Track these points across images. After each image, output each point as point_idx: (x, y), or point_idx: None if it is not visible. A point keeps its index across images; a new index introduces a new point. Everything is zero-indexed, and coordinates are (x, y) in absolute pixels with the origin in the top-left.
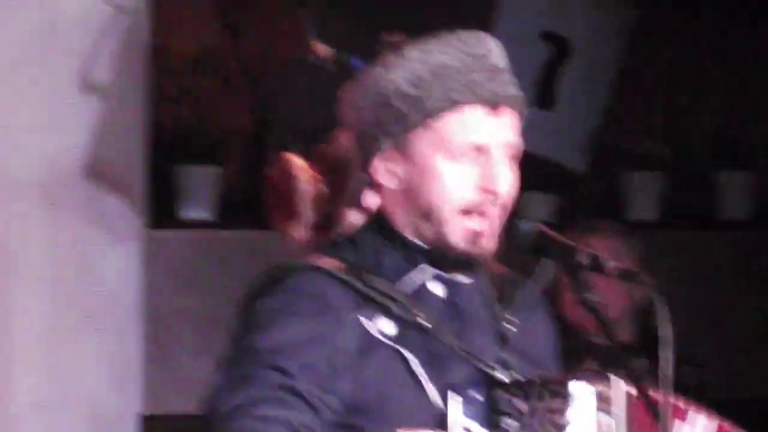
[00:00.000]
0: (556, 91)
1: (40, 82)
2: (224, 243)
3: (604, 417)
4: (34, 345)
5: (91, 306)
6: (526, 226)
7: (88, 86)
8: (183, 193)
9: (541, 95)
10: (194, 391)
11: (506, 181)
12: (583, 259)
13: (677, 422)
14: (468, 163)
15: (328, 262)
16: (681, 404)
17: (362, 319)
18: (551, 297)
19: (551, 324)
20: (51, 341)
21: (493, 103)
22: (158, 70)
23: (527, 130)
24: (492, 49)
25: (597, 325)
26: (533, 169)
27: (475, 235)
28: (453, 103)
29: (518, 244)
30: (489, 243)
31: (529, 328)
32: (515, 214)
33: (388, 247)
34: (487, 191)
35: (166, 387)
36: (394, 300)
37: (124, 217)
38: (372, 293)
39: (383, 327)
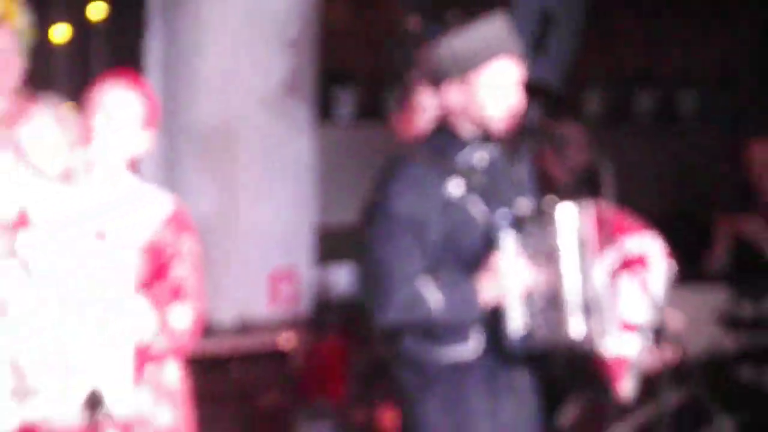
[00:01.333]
0: (545, 43)
1: (259, 42)
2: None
3: (580, 226)
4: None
5: (281, 165)
6: (529, 119)
7: (284, 44)
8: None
9: (537, 46)
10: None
11: (519, 99)
12: (561, 135)
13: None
14: (500, 89)
15: (420, 155)
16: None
17: (444, 187)
18: (540, 160)
19: (528, 169)
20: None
21: (513, 55)
22: (322, 39)
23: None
24: (509, 25)
25: (566, 175)
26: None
27: (505, 126)
28: (495, 56)
29: (524, 132)
30: (509, 129)
31: (522, 172)
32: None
33: (450, 138)
34: (513, 105)
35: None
36: (458, 171)
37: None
38: (445, 171)
39: (454, 188)
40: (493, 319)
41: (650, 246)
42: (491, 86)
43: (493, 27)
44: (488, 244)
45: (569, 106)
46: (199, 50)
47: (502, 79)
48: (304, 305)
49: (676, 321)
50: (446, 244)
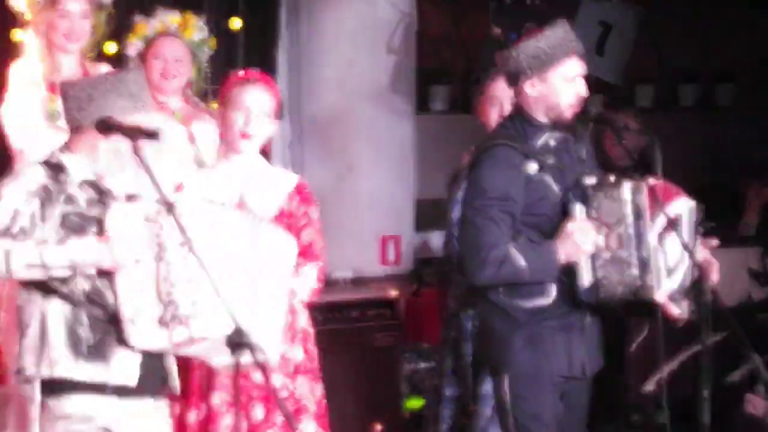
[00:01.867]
0: (604, 47)
1: (369, 46)
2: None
3: (636, 197)
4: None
5: (387, 148)
6: (593, 109)
7: (390, 47)
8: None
9: (598, 49)
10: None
11: (582, 89)
12: (619, 122)
13: (672, 201)
14: (572, 83)
15: (507, 139)
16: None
17: (525, 166)
18: (602, 141)
19: (589, 149)
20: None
21: (580, 54)
22: (420, 44)
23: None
24: (572, 29)
25: (626, 156)
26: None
27: (574, 113)
28: (567, 56)
29: (591, 119)
30: (575, 114)
31: (586, 151)
32: (587, 104)
33: (527, 124)
34: (580, 96)
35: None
36: (537, 153)
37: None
38: (527, 152)
39: (533, 166)
40: (567, 274)
41: (686, 207)
42: (564, 80)
43: (563, 32)
44: (561, 213)
45: (625, 98)
46: (320, 55)
47: (572, 73)
48: (406, 263)
49: (712, 270)
50: (529, 213)
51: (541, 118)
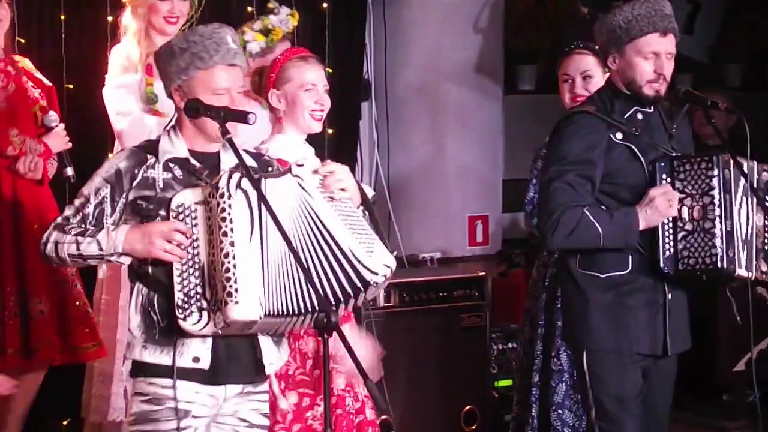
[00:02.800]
0: (692, 26)
1: (456, 27)
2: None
3: (725, 170)
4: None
5: (475, 128)
6: (681, 87)
7: (477, 29)
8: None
9: (686, 28)
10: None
11: (668, 68)
12: (708, 101)
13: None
14: (650, 60)
15: (589, 108)
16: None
17: (608, 133)
18: (690, 120)
19: (690, 131)
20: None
21: (663, 31)
22: (507, 24)
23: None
24: (665, 5)
25: (715, 134)
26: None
27: (656, 90)
28: (642, 33)
29: (680, 97)
30: (662, 92)
31: (682, 132)
32: (674, 84)
33: (615, 97)
34: (659, 73)
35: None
36: (621, 123)
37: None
38: (611, 120)
39: (618, 135)
40: (647, 246)
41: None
42: (641, 56)
43: (644, 9)
44: (646, 181)
45: (714, 77)
46: (410, 35)
47: (649, 49)
48: (494, 243)
49: None
50: (609, 181)
51: (627, 92)
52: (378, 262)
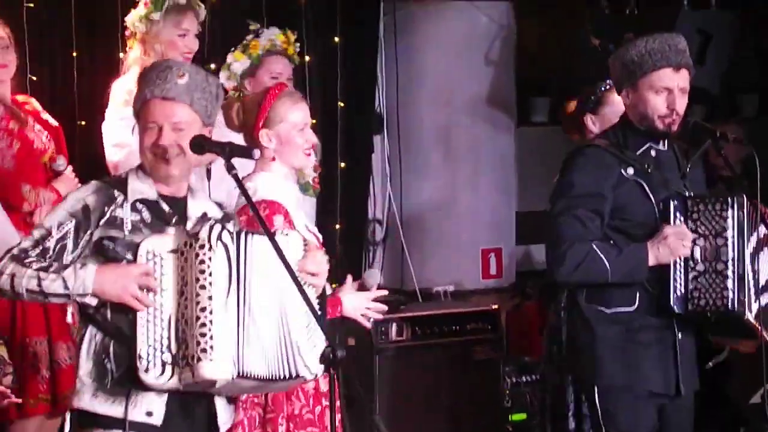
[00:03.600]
0: (704, 56)
1: (468, 60)
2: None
3: (740, 212)
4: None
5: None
6: (691, 119)
7: (489, 61)
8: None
9: (697, 59)
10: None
11: (681, 104)
12: (717, 132)
13: None
14: (662, 95)
15: (601, 142)
16: None
17: (620, 169)
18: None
19: (703, 172)
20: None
21: (676, 66)
22: (519, 56)
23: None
24: (680, 41)
25: (726, 166)
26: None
27: (668, 125)
28: (656, 67)
29: (689, 129)
30: (674, 128)
31: (696, 172)
32: (687, 116)
33: (629, 132)
34: (671, 109)
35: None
36: (633, 158)
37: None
38: (622, 155)
39: (629, 171)
40: (656, 284)
41: None
42: (653, 90)
43: (657, 43)
44: (656, 218)
45: (728, 107)
46: (421, 68)
47: (661, 84)
48: (508, 276)
49: None
50: (618, 216)
51: (641, 127)
52: (315, 361)
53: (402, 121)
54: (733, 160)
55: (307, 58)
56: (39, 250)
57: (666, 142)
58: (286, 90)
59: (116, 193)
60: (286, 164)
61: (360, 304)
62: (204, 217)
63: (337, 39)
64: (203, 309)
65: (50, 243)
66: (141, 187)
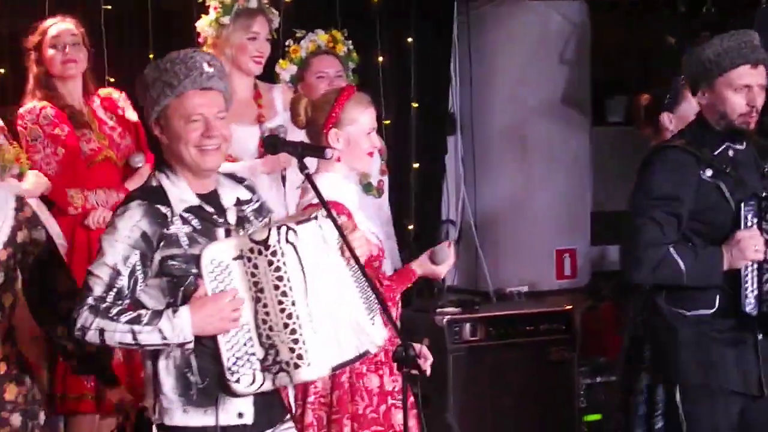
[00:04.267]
0: None
1: (542, 59)
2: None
3: None
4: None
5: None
6: (766, 119)
7: (563, 60)
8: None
9: None
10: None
11: (760, 100)
12: None
13: None
14: (742, 92)
15: (680, 143)
16: None
17: (699, 170)
18: None
19: None
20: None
21: (754, 63)
22: (594, 55)
23: None
24: (754, 37)
25: None
26: None
27: (747, 122)
28: (734, 65)
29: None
30: (752, 125)
31: None
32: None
33: (706, 132)
34: (751, 105)
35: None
36: (711, 159)
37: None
38: (701, 156)
39: (708, 172)
40: (733, 285)
41: None
42: (732, 89)
43: (734, 41)
44: (733, 221)
45: None
46: (495, 69)
47: (740, 82)
48: (583, 277)
49: None
50: (697, 219)
51: (719, 126)
52: (378, 332)
53: (476, 121)
54: None
55: (380, 58)
56: (114, 292)
57: (744, 140)
58: (358, 93)
59: (163, 208)
60: (350, 167)
61: (430, 268)
62: (239, 204)
63: (410, 39)
64: (290, 315)
65: (122, 281)
66: (182, 194)
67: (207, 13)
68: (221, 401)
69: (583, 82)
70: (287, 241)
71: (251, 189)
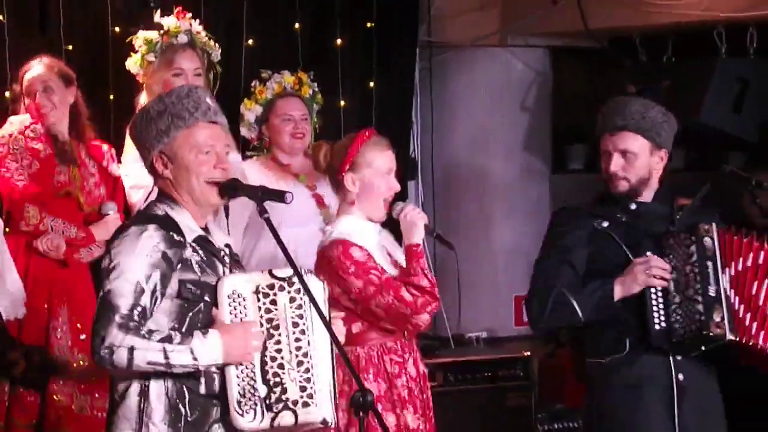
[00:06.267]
0: (742, 104)
1: (504, 106)
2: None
3: (706, 239)
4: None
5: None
6: (726, 167)
7: (524, 107)
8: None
9: (735, 106)
10: None
11: (615, 165)
12: (753, 181)
13: None
14: (604, 157)
15: (580, 203)
16: None
17: (593, 222)
18: (740, 202)
19: (716, 217)
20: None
21: (611, 130)
22: (555, 103)
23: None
24: (619, 103)
25: (760, 212)
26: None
27: (614, 185)
28: (600, 134)
29: (725, 177)
30: (620, 189)
31: (698, 219)
32: (723, 164)
33: (609, 192)
34: (608, 172)
35: None
36: (605, 213)
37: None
38: (595, 211)
39: (603, 224)
40: (640, 320)
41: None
42: (603, 154)
43: (608, 107)
44: (627, 263)
45: (766, 156)
46: (457, 114)
47: (605, 149)
48: None
49: None
50: (591, 263)
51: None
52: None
53: (436, 167)
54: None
55: (342, 102)
56: (139, 310)
57: (654, 196)
58: (376, 136)
59: (176, 235)
60: (364, 212)
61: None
62: (227, 246)
63: (372, 84)
64: (306, 354)
65: (146, 299)
66: (189, 224)
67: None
68: None
69: (543, 129)
70: (304, 284)
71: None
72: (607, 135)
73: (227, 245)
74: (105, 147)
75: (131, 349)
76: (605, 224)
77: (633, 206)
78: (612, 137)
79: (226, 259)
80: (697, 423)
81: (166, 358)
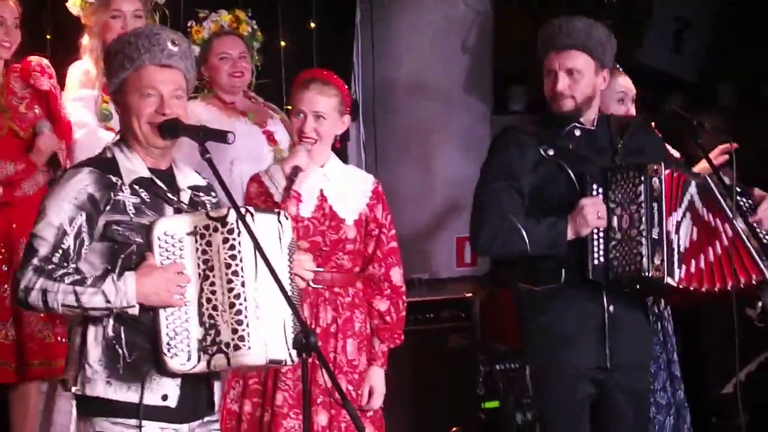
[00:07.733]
0: (681, 44)
1: (445, 47)
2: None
3: (652, 179)
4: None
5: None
6: (668, 107)
7: (465, 48)
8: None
9: (675, 46)
10: None
11: (562, 84)
12: (695, 121)
13: None
14: (549, 77)
15: (525, 126)
16: None
17: (539, 149)
18: (680, 140)
19: (654, 142)
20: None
21: (559, 48)
22: (496, 44)
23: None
24: (564, 23)
25: (702, 152)
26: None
27: (558, 106)
28: (544, 54)
29: (666, 116)
30: (564, 108)
31: (638, 144)
32: (661, 101)
33: (554, 114)
34: (555, 91)
35: None
36: (552, 139)
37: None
38: (542, 136)
39: (550, 151)
40: (579, 257)
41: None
42: (545, 74)
43: (550, 29)
44: (576, 194)
45: (706, 96)
46: (398, 56)
47: (547, 68)
48: (483, 265)
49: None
50: (539, 195)
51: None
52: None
53: (378, 108)
54: (711, 150)
55: (282, 43)
56: (60, 253)
57: (596, 121)
58: (304, 77)
59: (113, 178)
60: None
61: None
62: (196, 189)
63: (312, 24)
64: (238, 296)
65: (68, 242)
66: (132, 167)
67: None
68: (148, 380)
69: (484, 71)
70: (245, 222)
71: (209, 184)
72: (553, 54)
73: (196, 187)
74: (33, 60)
75: (44, 292)
76: (551, 152)
77: (578, 132)
78: (558, 56)
79: (184, 198)
80: (626, 349)
81: (78, 300)
